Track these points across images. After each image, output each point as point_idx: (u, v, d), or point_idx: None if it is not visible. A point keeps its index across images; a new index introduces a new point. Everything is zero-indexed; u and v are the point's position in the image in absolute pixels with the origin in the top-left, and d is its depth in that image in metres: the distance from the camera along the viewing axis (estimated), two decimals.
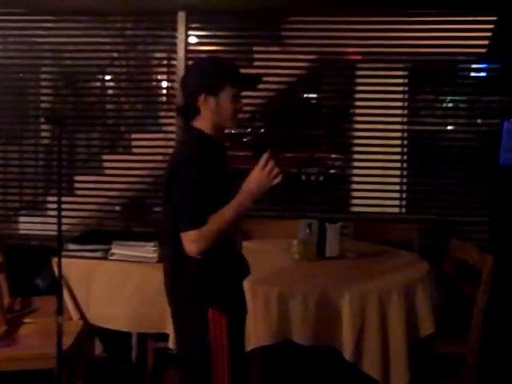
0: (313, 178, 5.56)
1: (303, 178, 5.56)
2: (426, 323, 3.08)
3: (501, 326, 3.58)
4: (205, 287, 2.30)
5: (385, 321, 2.96)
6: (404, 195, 4.65)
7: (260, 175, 2.15)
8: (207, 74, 2.31)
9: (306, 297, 2.90)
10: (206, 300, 2.29)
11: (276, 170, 2.14)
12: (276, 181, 2.15)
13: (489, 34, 4.48)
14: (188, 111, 2.35)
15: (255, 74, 2.48)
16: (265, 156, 2.15)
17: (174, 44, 4.47)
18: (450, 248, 3.64)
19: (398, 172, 4.61)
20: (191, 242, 2.17)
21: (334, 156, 5.32)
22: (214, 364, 2.28)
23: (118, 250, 3.48)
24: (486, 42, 4.49)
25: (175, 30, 4.45)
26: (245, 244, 3.52)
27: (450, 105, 4.72)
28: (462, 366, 3.25)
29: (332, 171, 5.40)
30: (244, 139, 4.93)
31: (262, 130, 5.06)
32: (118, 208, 4.96)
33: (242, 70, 2.43)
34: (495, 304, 3.33)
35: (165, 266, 2.43)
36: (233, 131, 3.83)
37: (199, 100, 2.29)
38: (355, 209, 4.70)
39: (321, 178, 5.54)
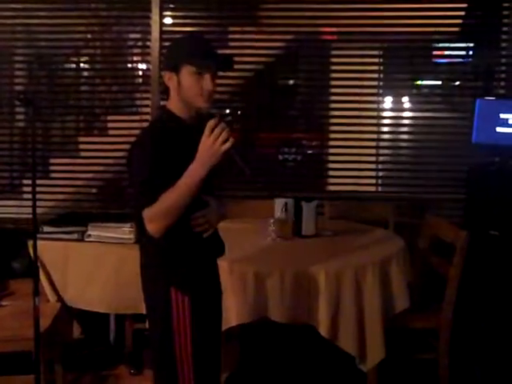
0: (290, 158, 5.58)
1: (280, 158, 5.58)
2: (400, 299, 3.13)
3: (474, 300, 3.64)
4: (167, 266, 2.29)
5: (360, 297, 3.00)
6: (379, 174, 4.68)
7: (207, 142, 2.10)
8: (169, 53, 2.32)
9: (283, 275, 2.93)
10: (168, 279, 2.28)
11: (224, 135, 2.08)
12: (226, 146, 2.08)
13: (462, 13, 4.51)
14: (163, 91, 2.35)
15: (213, 53, 2.36)
16: (210, 123, 2.11)
17: (149, 25, 4.45)
18: (424, 225, 3.69)
19: (373, 151, 4.64)
20: (147, 221, 2.14)
21: (311, 136, 5.33)
22: (177, 345, 2.28)
23: (95, 231, 3.47)
24: (459, 22, 4.52)
25: (149, 10, 4.42)
26: (221, 224, 3.58)
27: (425, 84, 4.75)
28: (436, 339, 3.31)
29: (309, 151, 5.42)
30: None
31: (239, 112, 5.07)
32: (94, 190, 4.94)
33: (218, 51, 2.39)
34: (468, 278, 3.38)
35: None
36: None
37: (165, 78, 2.28)
38: (331, 188, 4.73)
39: (298, 158, 5.55)
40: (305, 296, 2.95)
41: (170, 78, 2.26)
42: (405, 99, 4.70)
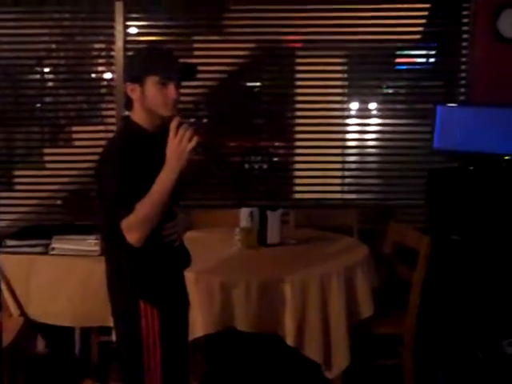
0: (256, 166, 5.59)
1: (246, 166, 5.59)
2: (365, 306, 3.15)
3: (436, 305, 3.68)
4: (136, 279, 2.29)
5: (325, 305, 3.02)
6: (344, 181, 4.72)
7: (173, 144, 2.12)
8: (132, 64, 2.32)
9: (248, 285, 2.93)
10: (138, 292, 2.28)
11: (188, 134, 2.11)
12: (191, 144, 2.10)
13: (423, 20, 4.58)
14: (126, 102, 2.33)
15: (177, 63, 2.38)
16: (172, 124, 2.13)
17: (113, 35, 4.43)
18: (388, 231, 3.73)
19: (338, 158, 4.68)
20: (126, 231, 2.14)
21: (276, 144, 5.35)
22: (146, 357, 2.27)
23: (59, 244, 3.44)
24: (420, 29, 4.59)
25: (113, 20, 4.41)
26: (188, 234, 3.57)
27: (390, 91, 4.80)
28: (400, 345, 3.34)
29: (275, 159, 5.43)
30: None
31: (205, 120, 5.06)
32: (59, 202, 4.89)
33: (183, 60, 2.41)
34: (431, 285, 3.42)
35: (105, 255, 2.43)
36: None
37: (128, 90, 2.27)
38: (297, 196, 4.76)
39: (264, 167, 5.57)
40: (271, 305, 2.96)
41: (133, 90, 2.26)
42: (369, 106, 4.74)
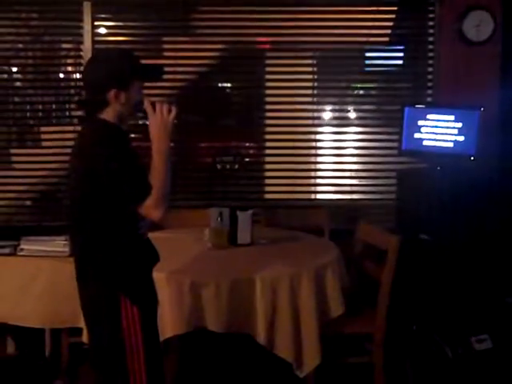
0: (228, 166, 5.60)
1: (218, 167, 5.59)
2: (335, 305, 3.18)
3: (406, 303, 3.73)
4: (114, 273, 2.31)
5: (296, 305, 3.04)
6: (315, 181, 4.75)
7: (156, 119, 2.28)
8: (116, 70, 2.32)
9: (219, 285, 2.94)
10: (117, 289, 2.29)
11: (165, 107, 2.29)
12: (173, 114, 2.29)
13: (390, 23, 4.64)
14: (95, 104, 2.34)
15: (158, 65, 2.54)
16: (146, 103, 2.31)
17: (81, 35, 4.40)
18: (357, 231, 3.77)
19: (308, 159, 4.71)
20: (152, 209, 2.23)
21: (247, 144, 5.37)
22: (129, 353, 2.29)
23: (27, 245, 3.42)
24: (387, 32, 4.65)
25: (81, 20, 4.38)
26: (158, 234, 3.57)
27: (360, 92, 4.85)
28: (370, 343, 3.38)
29: (247, 159, 5.45)
30: None
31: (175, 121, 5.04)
32: (28, 203, 4.85)
33: (152, 62, 2.48)
34: (401, 283, 3.47)
35: (75, 256, 2.41)
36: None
37: (109, 95, 2.29)
38: (268, 196, 4.78)
39: (236, 167, 5.58)
40: (241, 305, 2.97)
41: (117, 95, 2.30)
42: (338, 107, 4.78)
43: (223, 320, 2.96)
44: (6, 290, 3.41)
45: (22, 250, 3.42)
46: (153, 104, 2.31)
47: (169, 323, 2.92)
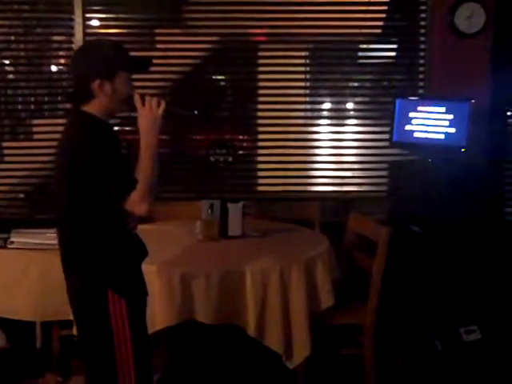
0: (221, 159, 5.61)
1: (212, 159, 5.60)
2: (325, 296, 3.19)
3: (396, 295, 3.74)
4: (102, 269, 2.31)
5: (286, 296, 3.05)
6: (306, 173, 4.75)
7: (145, 112, 2.28)
8: (101, 59, 2.31)
9: (209, 276, 2.94)
10: (105, 282, 2.30)
11: (155, 100, 2.29)
12: (162, 107, 2.28)
13: (382, 15, 4.64)
14: (80, 96, 2.34)
15: (146, 57, 2.52)
16: (136, 97, 2.30)
17: (72, 27, 4.39)
18: (348, 223, 3.77)
19: (300, 151, 4.71)
20: (137, 204, 2.21)
21: (241, 137, 5.37)
22: (117, 346, 2.30)
23: (18, 238, 3.41)
24: (380, 24, 4.65)
25: (72, 12, 4.36)
26: (149, 226, 3.58)
27: (354, 84, 4.84)
28: (361, 334, 3.39)
29: (240, 152, 5.45)
30: None
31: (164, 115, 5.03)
32: (21, 195, 4.84)
33: (144, 54, 2.47)
34: (391, 274, 3.48)
35: (61, 250, 2.41)
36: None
37: (94, 85, 2.28)
38: (260, 188, 4.78)
39: (230, 159, 5.58)
40: (231, 296, 2.98)
41: (101, 86, 2.28)
42: (331, 99, 4.78)
43: (213, 312, 2.96)
44: None
45: (12, 242, 3.41)
46: (142, 97, 2.30)
47: (159, 315, 2.92)
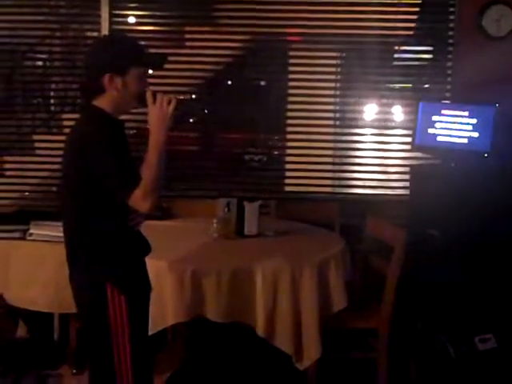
0: (256, 158, 5.62)
1: (246, 158, 5.62)
2: (338, 299, 3.16)
3: (412, 300, 3.69)
4: (102, 263, 2.32)
5: (297, 297, 3.03)
6: (333, 175, 4.72)
7: (155, 110, 2.28)
8: (113, 54, 2.31)
9: (220, 274, 2.95)
10: (105, 276, 2.31)
11: (166, 98, 2.28)
12: (172, 105, 2.27)
13: (413, 16, 4.58)
14: (92, 90, 2.35)
15: (160, 54, 2.51)
16: (148, 94, 2.30)
17: (99, 23, 4.43)
18: (366, 225, 3.74)
19: (329, 152, 4.68)
20: (140, 200, 2.21)
21: (276, 137, 5.35)
22: (115, 343, 2.30)
23: (37, 230, 3.47)
24: (411, 25, 4.59)
25: (99, 8, 4.41)
26: (168, 223, 3.61)
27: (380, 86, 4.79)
28: (374, 338, 3.35)
29: (275, 152, 5.43)
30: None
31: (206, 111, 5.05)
32: (54, 189, 4.90)
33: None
34: (408, 279, 3.43)
35: (65, 244, 2.43)
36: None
37: (104, 79, 2.29)
38: (285, 188, 4.76)
39: (264, 159, 5.59)
40: (241, 295, 2.98)
41: (112, 80, 2.29)
42: (358, 102, 4.73)
43: (223, 309, 2.96)
44: (15, 273, 3.46)
45: (31, 234, 3.47)
46: (154, 94, 2.30)
47: (170, 311, 2.94)
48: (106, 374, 2.34)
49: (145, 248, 2.49)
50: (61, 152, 4.38)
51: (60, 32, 4.73)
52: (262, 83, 5.06)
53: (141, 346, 2.37)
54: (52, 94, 4.89)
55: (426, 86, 4.62)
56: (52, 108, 4.93)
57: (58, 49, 4.83)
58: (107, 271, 2.32)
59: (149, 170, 2.23)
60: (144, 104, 2.33)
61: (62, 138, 4.48)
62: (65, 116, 4.89)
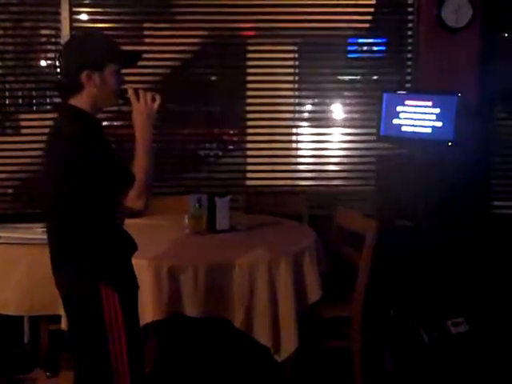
0: (211, 153, 5.60)
1: (201, 153, 5.59)
2: (313, 290, 3.19)
3: (383, 288, 3.75)
4: (94, 262, 2.31)
5: (274, 289, 3.05)
6: (295, 167, 4.76)
7: (140, 107, 2.29)
8: (89, 50, 2.29)
9: (196, 270, 2.95)
10: (97, 276, 2.29)
11: (149, 96, 2.30)
12: (157, 102, 2.30)
13: (371, 9, 4.65)
14: (69, 88, 2.31)
15: (136, 51, 2.51)
16: (130, 92, 2.31)
17: (59, 21, 4.37)
18: (335, 216, 3.78)
19: (289, 145, 4.71)
20: (136, 199, 2.20)
21: (231, 132, 5.36)
22: (111, 342, 2.30)
23: (5, 233, 3.40)
24: (368, 18, 4.65)
25: (59, 6, 4.35)
26: (138, 220, 3.57)
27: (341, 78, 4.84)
28: (348, 327, 3.40)
29: (230, 147, 5.44)
30: None
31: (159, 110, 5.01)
32: (9, 191, 4.82)
33: (132, 48, 2.45)
34: (378, 267, 3.49)
35: (51, 246, 2.40)
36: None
37: (82, 76, 2.26)
38: (249, 182, 4.78)
39: (219, 154, 5.58)
40: (219, 290, 2.98)
41: (90, 77, 2.26)
42: (319, 94, 4.78)
43: (201, 305, 2.96)
44: None
45: None
46: (136, 92, 2.30)
47: (148, 309, 2.92)
48: (101, 373, 2.33)
49: (132, 246, 2.48)
50: (17, 153, 4.42)
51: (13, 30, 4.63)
52: (213, 78, 5.06)
53: (135, 343, 2.37)
54: (7, 94, 4.78)
55: (386, 77, 4.68)
56: (7, 108, 4.82)
57: (11, 48, 4.74)
58: (99, 271, 2.30)
59: (140, 168, 2.23)
60: (125, 101, 2.32)
61: (19, 138, 4.55)
62: (21, 116, 4.81)
